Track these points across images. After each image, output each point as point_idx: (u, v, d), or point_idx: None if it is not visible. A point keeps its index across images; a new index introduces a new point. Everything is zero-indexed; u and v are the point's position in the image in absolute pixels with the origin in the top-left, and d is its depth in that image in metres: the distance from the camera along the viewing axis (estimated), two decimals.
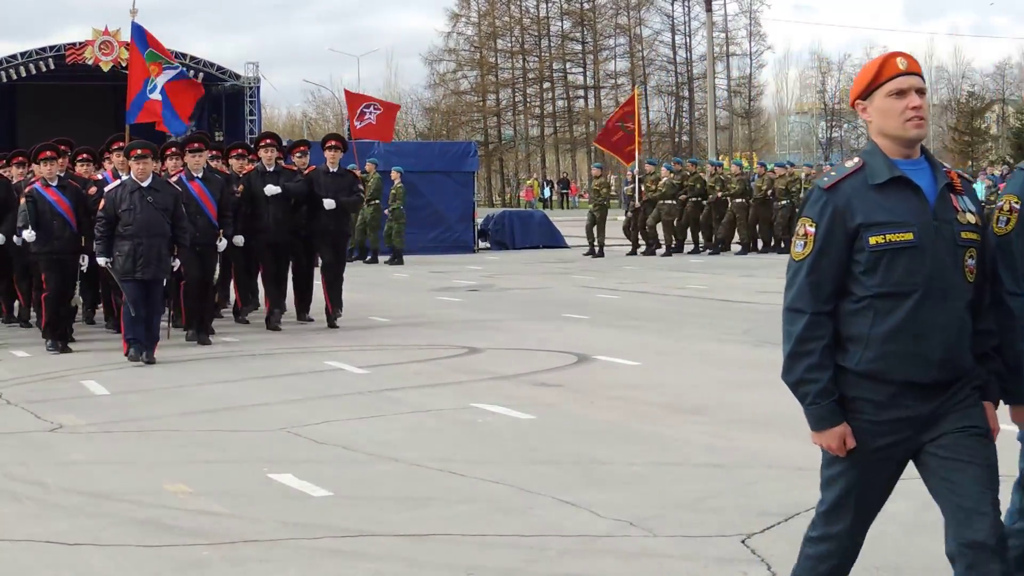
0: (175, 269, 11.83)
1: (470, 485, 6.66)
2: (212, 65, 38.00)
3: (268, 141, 14.42)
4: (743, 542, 5.50)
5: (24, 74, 33.84)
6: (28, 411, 9.16)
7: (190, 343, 12.64)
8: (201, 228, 12.64)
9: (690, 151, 71.74)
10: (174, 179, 12.59)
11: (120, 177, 12.48)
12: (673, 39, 76.90)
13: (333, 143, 14.57)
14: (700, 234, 27.23)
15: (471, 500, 6.34)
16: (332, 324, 13.90)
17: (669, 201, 26.27)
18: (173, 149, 13.69)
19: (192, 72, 37.98)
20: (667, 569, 5.22)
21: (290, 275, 14.24)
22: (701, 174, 27.94)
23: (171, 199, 11.72)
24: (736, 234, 27.17)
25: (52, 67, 34.23)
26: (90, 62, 34.85)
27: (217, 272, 13.47)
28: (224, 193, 13.20)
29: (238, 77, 38.35)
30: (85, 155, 14.39)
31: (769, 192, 26.57)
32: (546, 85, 78.92)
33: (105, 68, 35.18)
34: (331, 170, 14.19)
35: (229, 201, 13.27)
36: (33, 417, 8.93)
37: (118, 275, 11.50)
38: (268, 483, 6.80)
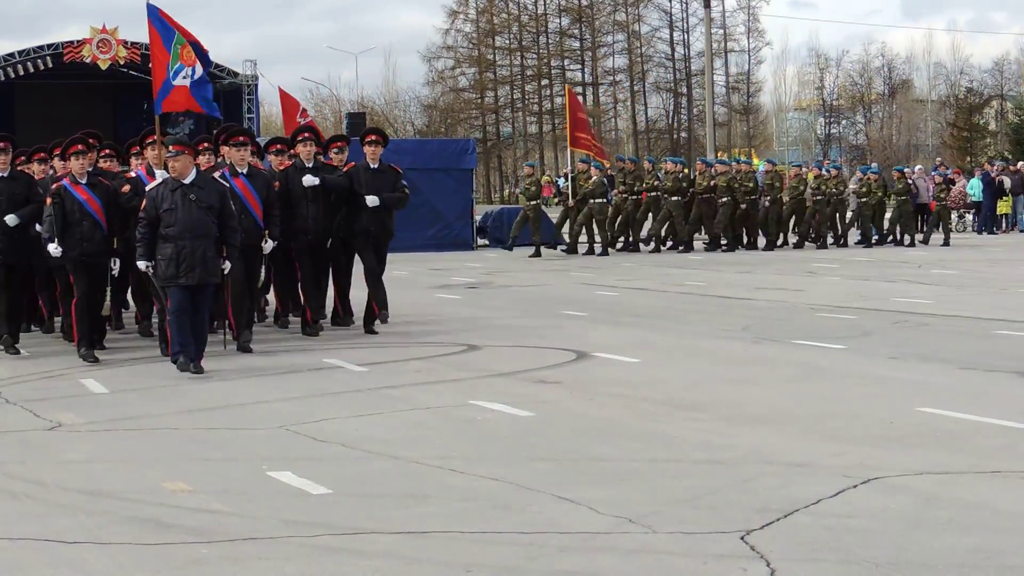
0: (225, 272, 10.96)
1: (469, 482, 6.66)
2: (209, 63, 37.90)
3: (307, 135, 13.38)
4: (742, 538, 5.50)
5: (22, 72, 33.88)
6: (27, 409, 9.16)
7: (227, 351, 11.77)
8: (246, 228, 11.73)
9: (688, 147, 71.78)
10: (217, 175, 11.74)
11: (155, 174, 11.82)
12: (671, 35, 76.92)
13: (373, 137, 13.44)
14: (632, 231, 27.09)
15: (470, 497, 6.34)
16: (370, 329, 13.17)
17: (599, 200, 26.01)
18: (205, 144, 12.96)
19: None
20: (666, 565, 5.22)
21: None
22: (641, 172, 27.71)
23: (217, 196, 10.80)
24: (674, 231, 26.97)
25: (50, 65, 34.28)
26: (88, 60, 34.87)
27: (263, 276, 12.84)
28: (270, 191, 12.38)
29: (236, 75, 38.33)
30: (109, 151, 13.36)
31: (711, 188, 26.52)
32: (544, 82, 78.92)
33: (103, 66, 35.20)
34: (372, 166, 13.19)
35: (275, 199, 12.43)
36: (32, 415, 8.92)
37: (160, 281, 10.66)
38: (267, 481, 6.79)
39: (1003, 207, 32.76)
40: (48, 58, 34.60)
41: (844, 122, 77.10)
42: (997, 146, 64.37)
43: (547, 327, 13.51)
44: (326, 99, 77.12)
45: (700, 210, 26.78)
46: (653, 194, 26.62)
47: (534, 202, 26.48)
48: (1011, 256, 23.32)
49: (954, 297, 15.75)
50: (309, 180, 12.85)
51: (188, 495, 6.49)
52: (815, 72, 77.25)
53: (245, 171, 12.25)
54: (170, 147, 10.85)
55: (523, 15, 78.64)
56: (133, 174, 12.45)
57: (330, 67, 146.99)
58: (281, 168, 13.34)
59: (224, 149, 12.74)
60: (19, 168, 12.99)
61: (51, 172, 13.23)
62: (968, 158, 60.77)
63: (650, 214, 27.16)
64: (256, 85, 38.56)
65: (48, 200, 11.66)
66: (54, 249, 11.49)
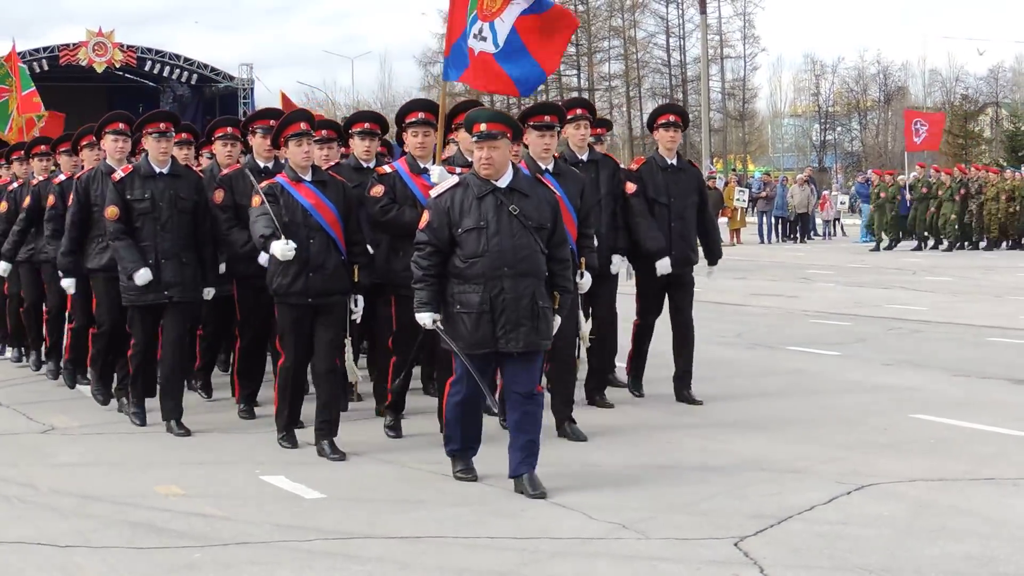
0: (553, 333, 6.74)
1: (463, 487, 6.65)
2: (206, 67, 38.02)
3: (579, 111, 8.73)
4: (736, 545, 5.50)
5: None
6: (20, 413, 9.15)
7: None
8: None
9: (685, 153, 71.77)
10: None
11: (422, 170, 7.98)
12: (667, 41, 76.94)
13: (671, 118, 9.06)
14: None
15: (464, 502, 6.34)
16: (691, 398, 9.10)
17: None
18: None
19: (185, 74, 38.19)
20: (659, 571, 5.22)
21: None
22: None
23: (548, 210, 6.69)
24: None
25: (46, 68, 34.27)
26: (84, 63, 34.90)
27: (588, 326, 8.64)
28: (586, 196, 8.04)
29: (232, 78, 38.37)
30: (263, 121, 8.78)
31: None
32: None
33: (99, 69, 35.23)
34: (669, 162, 9.07)
35: (591, 212, 8.17)
36: (25, 419, 8.91)
37: (458, 346, 6.54)
38: (260, 485, 6.79)
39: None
40: (44, 61, 34.61)
41: (839, 128, 77.17)
42: (992, 153, 64.47)
43: None
44: (322, 103, 77.11)
45: None
46: None
47: None
48: (1006, 263, 23.33)
49: (948, 304, 15.76)
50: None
51: (181, 499, 6.48)
52: (811, 79, 77.34)
53: (551, 168, 8.11)
54: (482, 125, 6.59)
55: None
56: (387, 169, 8.18)
57: (326, 72, 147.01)
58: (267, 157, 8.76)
59: (464, 136, 7.92)
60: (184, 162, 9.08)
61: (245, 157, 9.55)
62: (964, 165, 60.87)
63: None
64: (252, 89, 38.62)
65: (256, 199, 7.62)
66: (281, 248, 7.40)
